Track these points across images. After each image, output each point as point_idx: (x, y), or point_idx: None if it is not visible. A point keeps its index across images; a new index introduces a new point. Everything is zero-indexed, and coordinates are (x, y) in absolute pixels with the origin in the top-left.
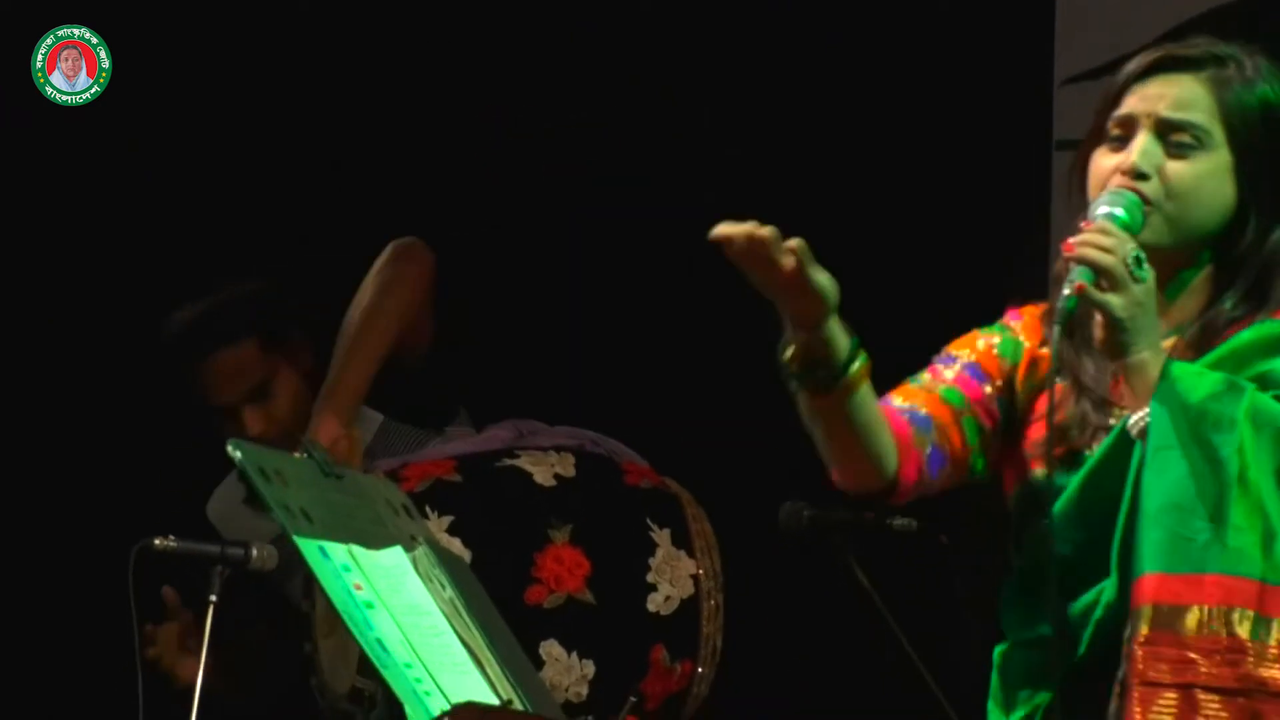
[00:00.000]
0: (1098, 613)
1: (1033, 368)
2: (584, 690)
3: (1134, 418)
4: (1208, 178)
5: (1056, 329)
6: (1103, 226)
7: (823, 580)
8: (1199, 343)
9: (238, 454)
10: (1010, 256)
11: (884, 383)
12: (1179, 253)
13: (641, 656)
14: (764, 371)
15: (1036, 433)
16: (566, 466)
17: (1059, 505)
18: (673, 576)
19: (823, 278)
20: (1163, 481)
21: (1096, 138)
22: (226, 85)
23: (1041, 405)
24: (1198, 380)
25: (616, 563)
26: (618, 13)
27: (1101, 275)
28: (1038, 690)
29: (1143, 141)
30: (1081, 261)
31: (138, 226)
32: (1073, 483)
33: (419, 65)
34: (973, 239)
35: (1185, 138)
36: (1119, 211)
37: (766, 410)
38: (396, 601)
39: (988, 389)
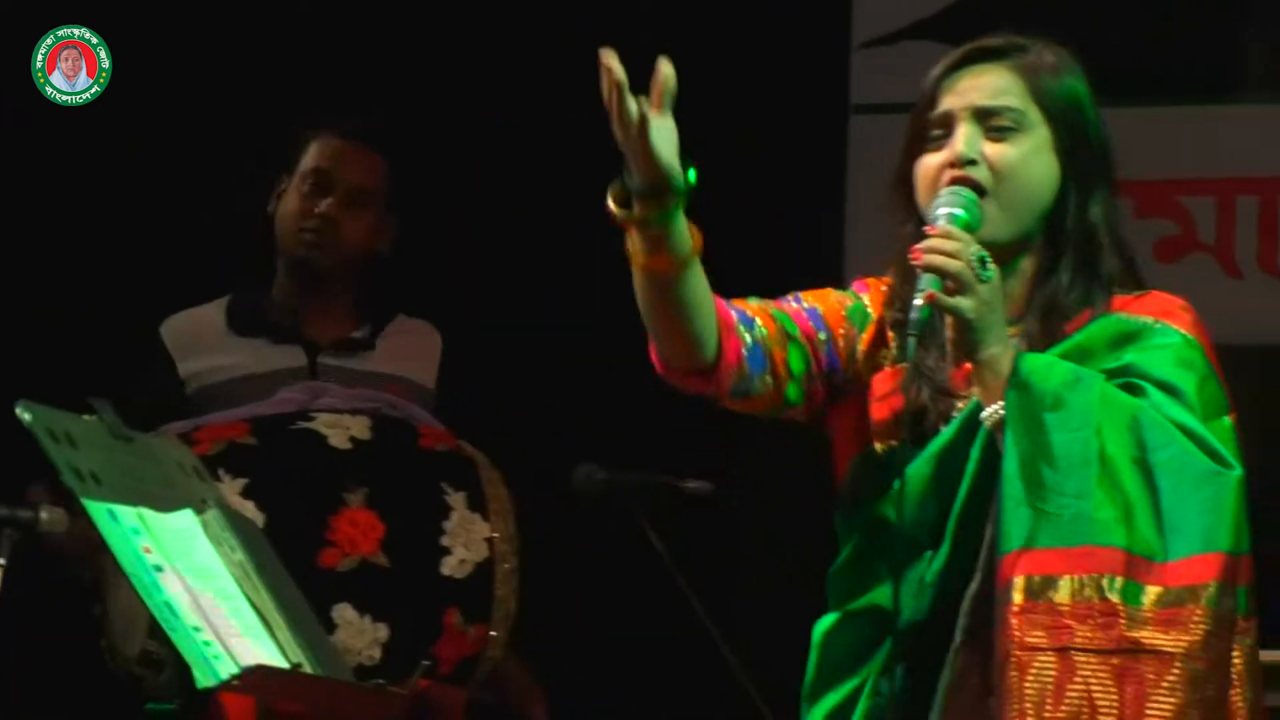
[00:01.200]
0: (929, 578)
1: (877, 340)
2: (377, 654)
3: (987, 411)
4: (1032, 154)
5: (911, 340)
6: (946, 231)
7: (617, 543)
8: (1045, 330)
9: (26, 415)
10: (808, 218)
11: None
12: (1016, 240)
13: (435, 620)
14: (556, 337)
15: (879, 413)
16: (362, 429)
17: (903, 483)
18: (467, 540)
19: (666, 151)
20: (1025, 465)
21: (917, 146)
22: (226, 85)
23: (881, 387)
24: (1049, 371)
25: (411, 526)
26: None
27: (949, 280)
28: (865, 662)
29: (964, 131)
30: (929, 269)
31: (138, 226)
32: (918, 463)
33: (420, 64)
34: (771, 201)
35: (1004, 121)
36: (959, 211)
37: (559, 374)
38: (186, 565)
39: (822, 335)
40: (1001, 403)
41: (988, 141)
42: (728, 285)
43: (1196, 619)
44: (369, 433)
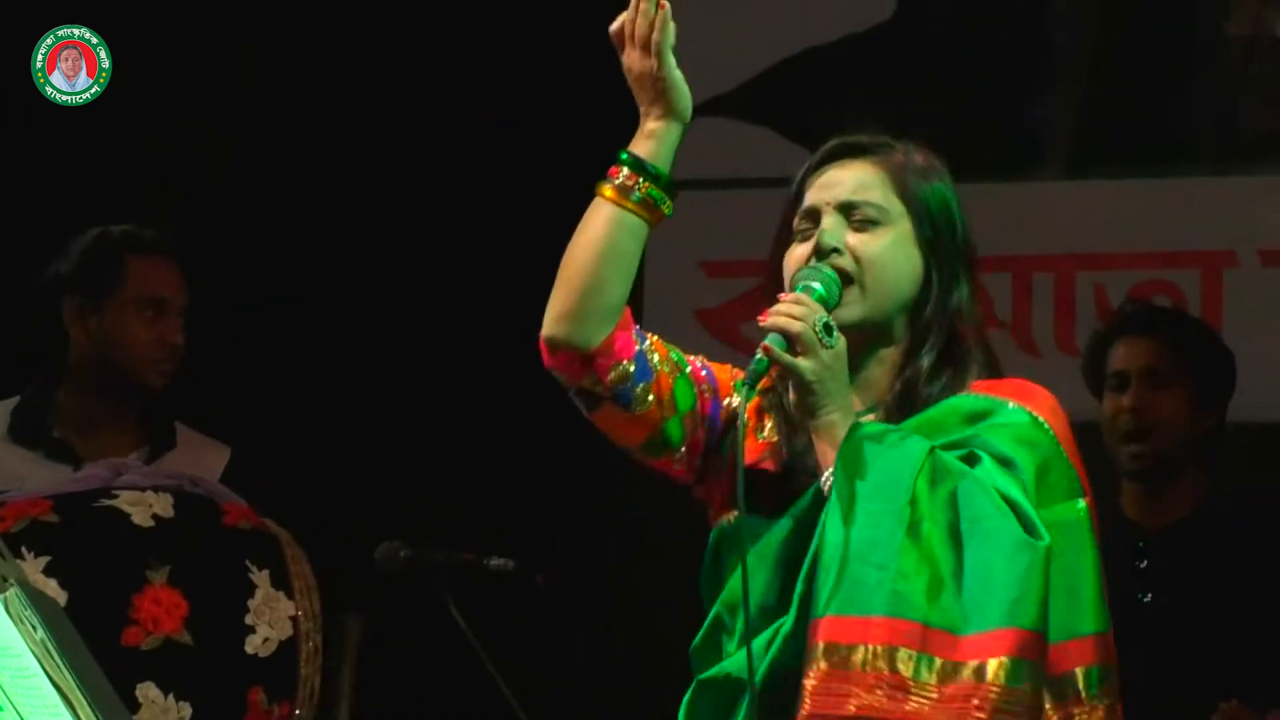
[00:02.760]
0: (773, 649)
1: (759, 416)
2: None
3: (824, 476)
4: (894, 246)
5: (745, 389)
6: (796, 297)
7: (422, 619)
8: (900, 405)
9: None
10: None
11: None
12: (877, 326)
13: (239, 698)
14: (361, 413)
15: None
16: (165, 507)
17: (758, 550)
18: (272, 618)
19: (678, 75)
20: (840, 532)
21: (785, 237)
22: (226, 85)
23: (749, 457)
24: (879, 440)
25: (215, 604)
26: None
27: (792, 340)
28: None
29: (828, 223)
30: (773, 329)
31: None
32: (773, 530)
33: (420, 63)
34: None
35: (867, 214)
36: (816, 285)
37: (364, 451)
38: None
39: (709, 386)
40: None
41: (852, 232)
42: (532, 357)
43: (980, 699)
44: (172, 510)
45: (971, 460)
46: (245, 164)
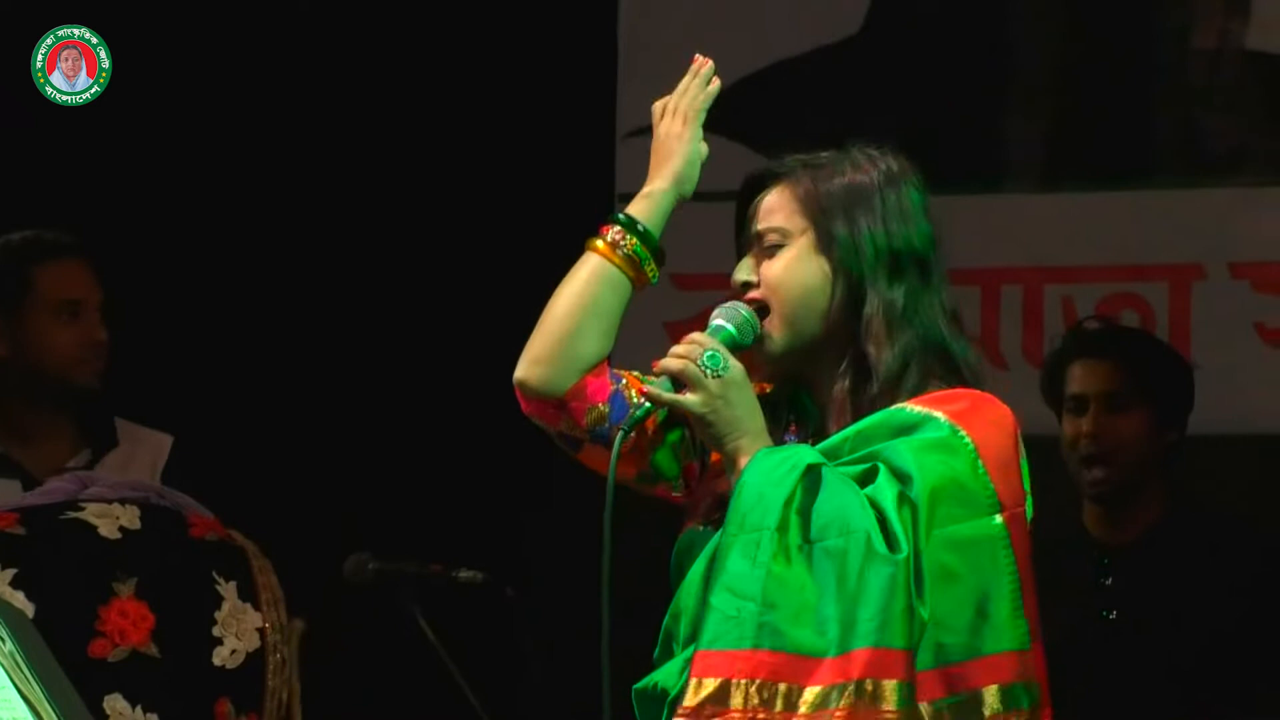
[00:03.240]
0: (681, 674)
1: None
2: None
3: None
4: (794, 262)
5: (620, 434)
6: (689, 337)
7: (390, 632)
8: (854, 418)
9: None
10: None
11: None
12: (813, 343)
13: (206, 710)
14: (329, 424)
15: (698, 498)
16: (131, 519)
17: (695, 567)
18: (239, 630)
19: (699, 146)
20: (719, 564)
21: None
22: (226, 85)
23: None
24: (764, 465)
25: (182, 616)
26: None
27: (677, 380)
28: None
29: (746, 259)
30: (660, 374)
31: (137, 226)
32: (706, 551)
33: (421, 63)
34: (534, 291)
35: (772, 239)
36: (727, 325)
37: (331, 462)
38: None
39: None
40: None
41: (764, 261)
42: (497, 374)
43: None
44: (139, 522)
45: (871, 475)
46: (230, 166)
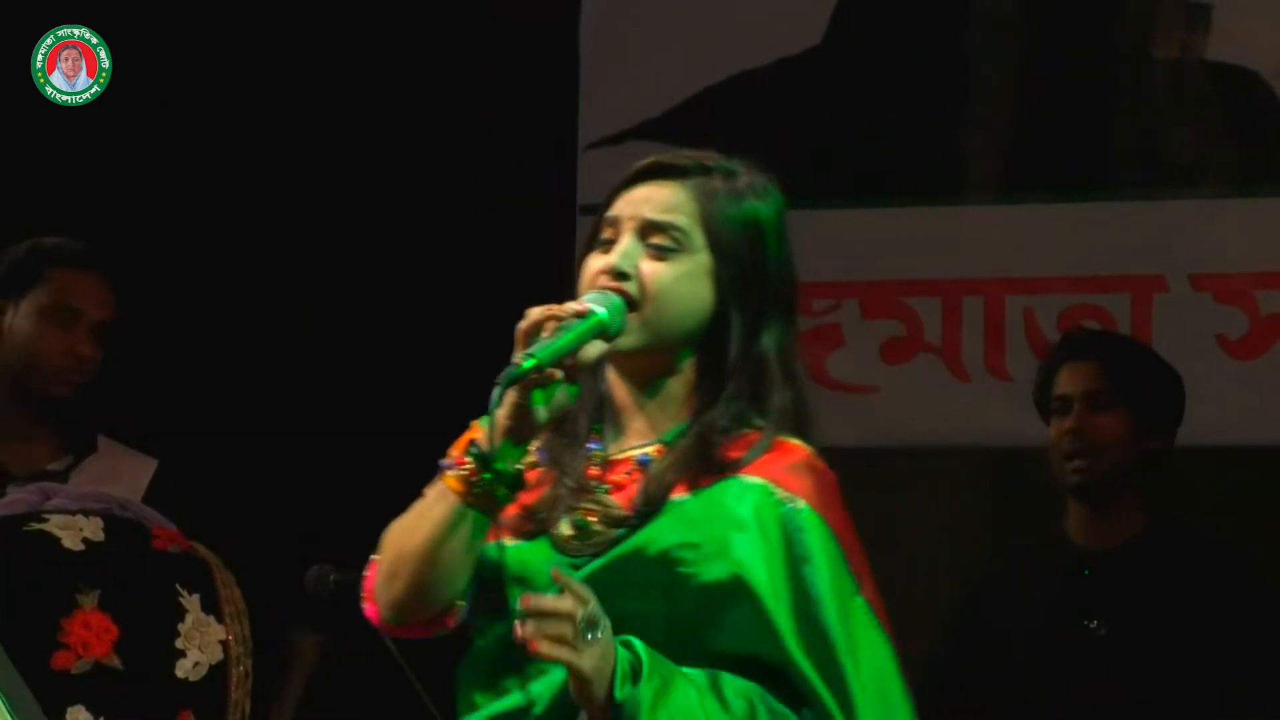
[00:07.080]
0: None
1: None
2: None
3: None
4: (684, 278)
5: (497, 389)
6: (560, 306)
7: (356, 644)
8: (700, 454)
9: None
10: None
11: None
12: (658, 356)
13: None
14: (292, 436)
15: (511, 509)
16: (95, 530)
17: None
18: (202, 642)
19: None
20: None
21: (592, 244)
22: (226, 85)
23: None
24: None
25: (145, 628)
26: None
27: (556, 647)
28: None
29: (625, 243)
30: (545, 659)
31: (137, 226)
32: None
33: (382, 75)
34: (494, 303)
35: (665, 240)
36: (600, 310)
37: (292, 474)
38: None
39: None
40: None
41: (646, 258)
42: (451, 389)
43: None
44: (102, 534)
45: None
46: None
